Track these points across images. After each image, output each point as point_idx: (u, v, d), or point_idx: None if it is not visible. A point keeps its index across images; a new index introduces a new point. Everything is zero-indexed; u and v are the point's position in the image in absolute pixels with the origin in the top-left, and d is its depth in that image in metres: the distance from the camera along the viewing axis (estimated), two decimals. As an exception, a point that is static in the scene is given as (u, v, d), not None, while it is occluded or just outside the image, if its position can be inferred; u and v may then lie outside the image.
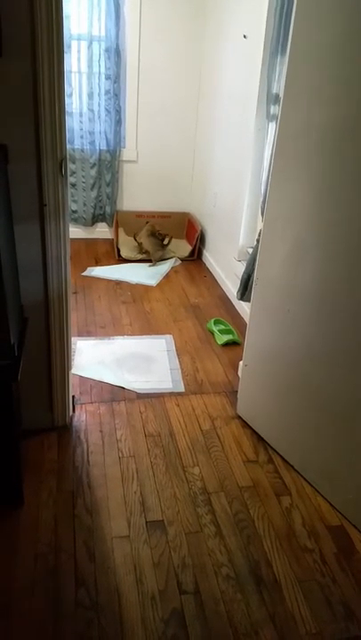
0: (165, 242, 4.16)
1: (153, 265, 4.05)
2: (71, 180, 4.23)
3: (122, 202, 4.48)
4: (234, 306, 3.48)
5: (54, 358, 2.08)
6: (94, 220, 4.44)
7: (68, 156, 1.81)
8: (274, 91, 2.76)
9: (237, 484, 2.02)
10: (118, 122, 4.14)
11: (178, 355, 2.86)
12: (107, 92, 4.01)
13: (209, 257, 4.15)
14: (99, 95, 4.02)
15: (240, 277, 3.06)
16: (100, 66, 3.93)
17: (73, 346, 2.71)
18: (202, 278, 3.95)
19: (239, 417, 2.38)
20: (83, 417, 2.31)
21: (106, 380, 2.57)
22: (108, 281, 3.74)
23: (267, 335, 2.11)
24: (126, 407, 2.40)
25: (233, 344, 3.01)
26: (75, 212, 4.36)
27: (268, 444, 2.22)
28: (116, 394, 2.49)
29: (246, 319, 2.99)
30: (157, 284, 3.76)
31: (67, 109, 1.75)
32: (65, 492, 1.92)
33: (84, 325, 3.10)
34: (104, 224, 4.50)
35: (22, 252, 1.86)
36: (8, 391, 1.65)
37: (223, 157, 3.72)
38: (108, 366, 2.70)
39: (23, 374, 1.70)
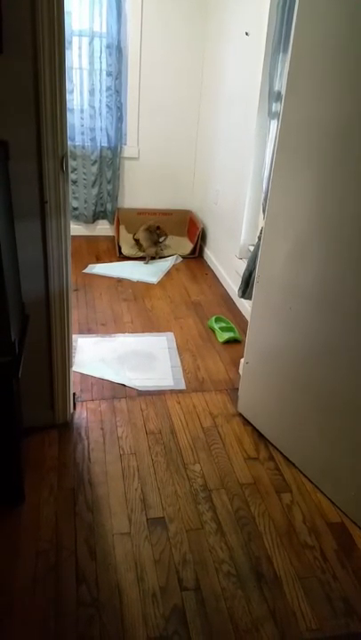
0: (161, 240, 4.15)
1: (147, 263, 4.03)
2: (72, 176, 4.22)
3: (123, 199, 4.48)
4: (235, 303, 3.48)
5: (55, 355, 2.08)
6: (95, 217, 4.44)
7: (68, 153, 1.80)
8: (276, 88, 2.75)
9: (238, 481, 2.02)
10: (119, 119, 4.13)
11: (179, 352, 2.87)
12: (108, 89, 4.01)
13: (210, 254, 4.14)
14: (100, 92, 4.01)
15: (241, 275, 3.06)
16: (101, 62, 3.92)
17: (74, 343, 2.72)
18: (203, 276, 3.94)
19: (240, 414, 2.39)
20: (84, 414, 2.31)
21: (107, 378, 2.58)
22: (109, 278, 3.74)
23: (268, 333, 2.11)
24: (127, 405, 2.41)
25: (234, 342, 3.01)
26: (76, 209, 4.36)
27: (269, 442, 2.23)
28: (117, 391, 2.49)
29: (247, 317, 2.99)
30: (158, 282, 3.75)
31: (68, 106, 1.75)
32: (66, 490, 1.92)
33: (84, 323, 3.10)
34: (105, 221, 4.50)
35: (23, 250, 1.86)
36: (9, 388, 1.65)
37: (225, 155, 3.71)
38: (109, 364, 2.70)
39: (24, 372, 1.70)
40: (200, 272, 4.00)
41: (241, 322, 3.21)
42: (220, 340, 3.01)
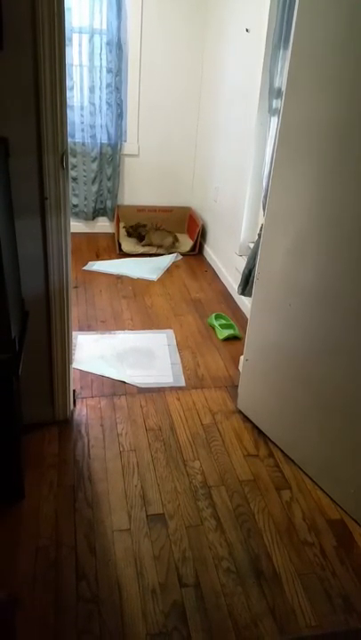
0: (143, 242, 4.19)
1: (170, 253, 4.16)
2: (72, 173, 4.22)
3: (123, 196, 4.47)
4: (235, 300, 3.48)
5: (55, 352, 2.08)
6: (95, 214, 4.43)
7: (69, 150, 1.80)
8: (276, 84, 2.74)
9: (238, 478, 2.03)
10: (119, 115, 4.12)
11: (179, 349, 2.87)
12: (108, 86, 4.00)
13: (210, 251, 4.14)
14: (100, 88, 4.00)
15: (241, 272, 3.06)
16: (101, 59, 3.91)
17: (74, 340, 2.71)
18: (203, 273, 3.94)
19: (240, 411, 2.39)
20: (83, 411, 2.32)
21: (107, 375, 2.58)
22: (109, 275, 3.73)
23: (268, 330, 2.11)
24: (127, 401, 2.41)
25: (234, 339, 3.01)
26: (76, 205, 4.35)
27: (269, 439, 2.23)
28: (117, 388, 2.49)
29: (247, 314, 2.99)
30: (158, 279, 3.75)
31: (68, 103, 1.74)
32: (66, 486, 1.92)
33: (84, 320, 3.10)
34: (105, 218, 4.49)
35: (23, 246, 1.86)
36: (9, 385, 1.65)
37: (225, 152, 3.71)
38: (109, 361, 2.70)
39: (24, 368, 1.70)
40: (200, 269, 4.00)
41: (241, 319, 3.21)
42: (220, 337, 3.01)
